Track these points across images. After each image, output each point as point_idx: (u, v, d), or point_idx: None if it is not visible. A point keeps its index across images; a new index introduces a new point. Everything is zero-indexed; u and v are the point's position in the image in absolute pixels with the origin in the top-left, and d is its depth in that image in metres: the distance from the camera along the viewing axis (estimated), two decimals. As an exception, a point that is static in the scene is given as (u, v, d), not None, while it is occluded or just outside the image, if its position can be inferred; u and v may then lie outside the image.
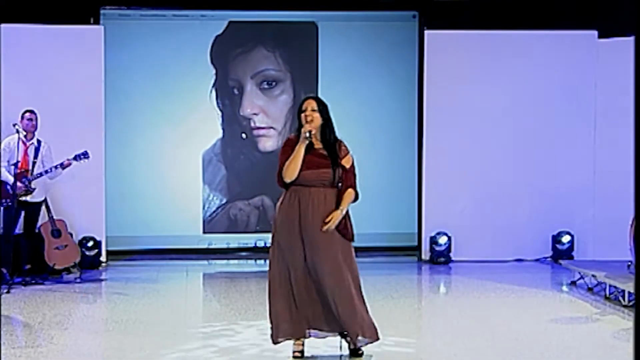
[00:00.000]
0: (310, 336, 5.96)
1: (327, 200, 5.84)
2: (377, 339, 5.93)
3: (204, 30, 11.04)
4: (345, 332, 5.91)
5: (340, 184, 5.91)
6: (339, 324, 5.86)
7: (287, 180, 5.85)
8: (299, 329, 5.90)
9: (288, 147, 5.88)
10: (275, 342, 5.95)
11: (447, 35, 10.53)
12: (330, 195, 5.86)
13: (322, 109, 5.90)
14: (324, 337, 6.00)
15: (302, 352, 5.99)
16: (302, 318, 5.88)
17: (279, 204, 5.97)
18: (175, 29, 11.00)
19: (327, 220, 5.79)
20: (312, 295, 5.84)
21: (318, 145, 5.91)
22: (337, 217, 5.80)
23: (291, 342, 6.01)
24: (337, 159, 5.88)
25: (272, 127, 11.26)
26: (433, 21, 10.76)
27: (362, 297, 5.93)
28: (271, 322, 5.95)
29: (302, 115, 5.88)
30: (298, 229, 5.81)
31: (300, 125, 5.88)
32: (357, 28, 11.16)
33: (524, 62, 10.55)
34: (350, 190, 5.90)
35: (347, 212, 5.89)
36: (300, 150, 5.79)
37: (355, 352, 5.96)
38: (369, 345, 6.01)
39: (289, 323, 5.90)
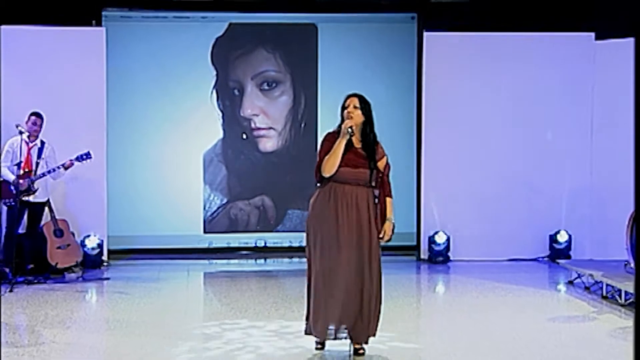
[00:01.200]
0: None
1: (360, 199, 5.84)
2: (374, 335, 5.99)
3: (204, 32, 11.08)
4: (352, 331, 5.91)
5: (374, 184, 5.91)
6: (356, 322, 5.85)
7: (326, 174, 5.81)
8: (323, 331, 5.89)
9: (328, 142, 5.85)
10: (308, 334, 6.06)
11: (445, 36, 10.57)
12: (364, 194, 5.85)
13: (364, 106, 5.88)
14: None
15: (323, 344, 6.05)
16: (330, 317, 5.85)
17: (312, 200, 5.95)
18: (176, 30, 11.04)
19: (382, 235, 5.88)
20: (341, 292, 5.80)
21: (357, 144, 5.89)
22: (389, 229, 5.92)
23: (292, 340, 6.19)
24: (375, 160, 5.88)
25: (272, 128, 11.30)
26: (431, 23, 10.80)
27: (381, 296, 5.97)
28: (307, 319, 5.99)
29: (345, 112, 5.85)
30: (334, 227, 5.80)
31: (342, 121, 5.85)
32: (357, 30, 11.21)
33: (521, 63, 10.58)
34: (389, 199, 5.97)
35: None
36: (340, 145, 5.76)
37: (357, 351, 5.98)
38: (368, 342, 6.06)
39: (319, 324, 5.89)
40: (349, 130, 5.75)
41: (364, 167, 5.84)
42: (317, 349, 6.09)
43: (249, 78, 11.23)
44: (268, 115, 11.28)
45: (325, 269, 5.82)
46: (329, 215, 5.80)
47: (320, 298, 5.85)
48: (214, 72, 11.16)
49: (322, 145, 5.88)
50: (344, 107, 5.88)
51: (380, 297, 5.91)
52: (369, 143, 5.89)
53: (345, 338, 5.91)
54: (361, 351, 5.98)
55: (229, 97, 11.24)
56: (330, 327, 5.85)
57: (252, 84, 11.24)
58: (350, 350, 5.98)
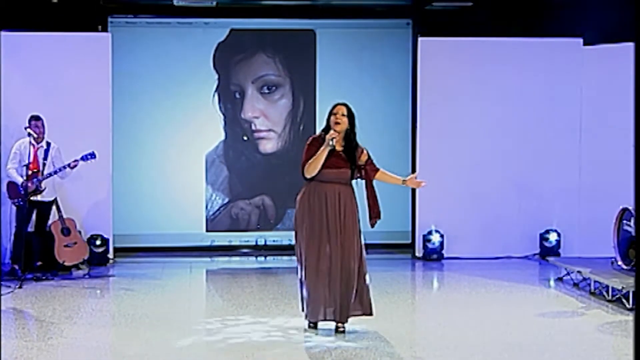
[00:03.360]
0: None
1: (343, 196, 6.36)
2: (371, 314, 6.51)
3: (207, 37, 11.20)
4: (347, 311, 6.41)
5: (359, 178, 6.45)
6: (342, 305, 6.35)
7: (308, 176, 6.34)
8: (330, 311, 6.40)
9: (313, 147, 6.35)
10: (315, 323, 6.46)
11: (439, 42, 10.65)
12: (345, 191, 6.38)
13: (350, 115, 6.38)
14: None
15: (315, 324, 6.49)
16: (328, 302, 6.37)
17: (299, 197, 6.43)
18: (180, 36, 11.16)
19: (419, 183, 6.61)
20: (333, 280, 6.31)
21: (340, 148, 6.37)
22: (415, 179, 6.62)
23: (292, 335, 6.45)
24: (355, 161, 6.38)
25: (272, 130, 11.41)
26: (426, 28, 10.92)
27: (365, 277, 6.46)
28: (308, 306, 6.40)
29: (332, 117, 6.34)
30: (320, 221, 6.30)
31: (328, 126, 6.34)
32: (354, 35, 11.33)
33: (513, 67, 10.66)
34: (382, 171, 6.51)
35: (375, 192, 6.45)
36: (323, 154, 6.26)
37: (338, 329, 6.49)
38: (365, 337, 6.34)
39: (326, 306, 6.38)
40: (331, 143, 6.22)
41: (346, 167, 6.34)
42: (309, 327, 6.49)
43: (249, 82, 11.33)
44: (268, 118, 11.39)
45: (315, 260, 6.29)
46: (315, 210, 6.30)
47: (317, 286, 6.31)
48: (216, 76, 11.27)
49: (307, 148, 6.36)
50: (332, 114, 6.34)
51: (365, 281, 6.44)
52: (350, 147, 6.37)
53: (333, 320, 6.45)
54: (341, 329, 6.44)
55: (230, 100, 11.34)
56: (328, 309, 6.34)
57: (253, 87, 11.34)
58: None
